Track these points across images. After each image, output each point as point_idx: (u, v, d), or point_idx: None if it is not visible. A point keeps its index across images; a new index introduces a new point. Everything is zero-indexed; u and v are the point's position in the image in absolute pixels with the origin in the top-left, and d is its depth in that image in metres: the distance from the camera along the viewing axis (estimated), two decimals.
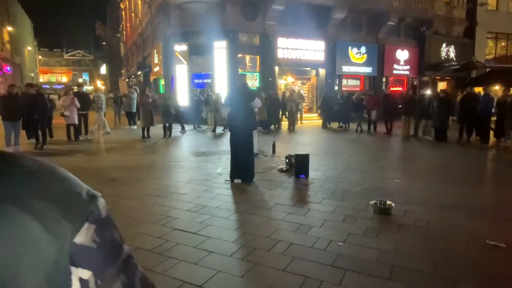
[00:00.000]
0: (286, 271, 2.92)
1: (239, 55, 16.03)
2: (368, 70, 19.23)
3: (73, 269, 0.37)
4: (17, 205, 0.35)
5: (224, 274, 2.89)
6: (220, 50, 15.64)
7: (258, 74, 16.60)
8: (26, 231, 0.34)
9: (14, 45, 33.05)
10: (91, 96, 13.24)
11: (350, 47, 18.41)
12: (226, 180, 5.93)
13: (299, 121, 15.43)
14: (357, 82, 19.69)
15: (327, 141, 11.69)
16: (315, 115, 18.08)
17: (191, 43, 16.08)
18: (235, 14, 15.57)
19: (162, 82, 20.18)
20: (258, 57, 16.47)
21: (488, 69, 21.10)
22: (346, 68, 18.52)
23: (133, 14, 29.43)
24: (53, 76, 69.33)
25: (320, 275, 2.85)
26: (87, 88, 41.30)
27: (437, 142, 10.63)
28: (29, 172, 0.39)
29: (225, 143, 8.33)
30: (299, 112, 15.60)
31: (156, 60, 20.38)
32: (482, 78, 19.27)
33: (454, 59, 21.11)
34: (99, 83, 63.23)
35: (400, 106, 12.60)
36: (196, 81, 16.46)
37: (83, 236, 0.38)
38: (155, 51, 20.46)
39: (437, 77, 21.78)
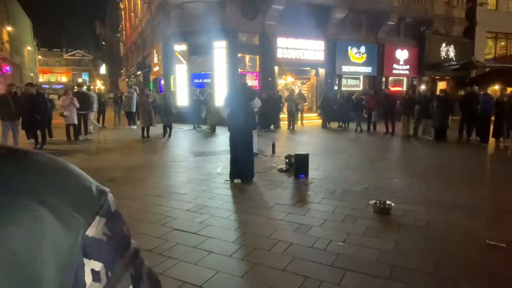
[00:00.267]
0: (286, 271, 2.92)
1: (239, 55, 16.02)
2: (367, 70, 19.24)
3: (85, 260, 0.38)
4: (34, 198, 0.36)
5: (224, 274, 2.88)
6: (219, 50, 15.63)
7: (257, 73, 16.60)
8: (42, 223, 0.35)
9: (13, 45, 33.03)
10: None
11: (349, 47, 18.40)
12: (226, 180, 5.93)
13: (299, 122, 15.38)
14: (357, 82, 19.70)
15: (327, 140, 11.69)
16: (315, 114, 18.07)
17: (190, 43, 16.07)
18: (235, 14, 15.56)
19: (162, 82, 20.18)
20: (257, 57, 16.45)
21: (487, 69, 21.11)
22: (345, 68, 18.51)
23: (132, 14, 29.42)
24: (53, 76, 69.30)
25: (320, 275, 2.85)
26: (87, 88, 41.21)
27: (436, 142, 10.63)
28: (42, 167, 0.40)
29: (225, 143, 8.33)
30: (299, 112, 15.58)
31: (155, 60, 20.38)
32: (481, 77, 19.28)
33: (454, 58, 21.11)
34: (99, 83, 63.24)
35: (400, 105, 12.59)
36: (196, 81, 16.46)
37: (94, 229, 0.39)
38: (154, 51, 20.46)
39: (437, 77, 21.78)
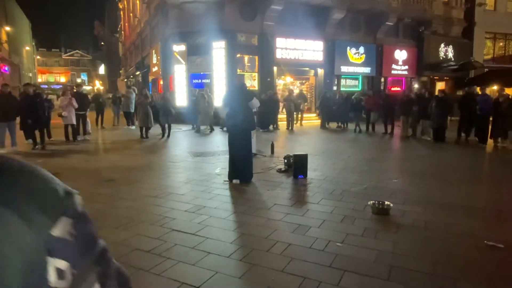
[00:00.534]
0: (284, 272, 2.92)
1: (238, 55, 16.01)
2: (366, 70, 19.25)
3: (49, 259, 0.39)
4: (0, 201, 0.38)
5: (222, 275, 2.88)
6: (218, 50, 15.63)
7: (256, 74, 16.59)
8: (5, 224, 0.37)
9: (12, 45, 32.98)
10: None
11: (348, 47, 18.42)
12: (225, 181, 5.93)
13: (297, 122, 15.36)
14: (356, 82, 19.71)
15: (326, 141, 11.69)
16: (314, 115, 18.08)
17: (189, 43, 16.06)
18: (234, 14, 15.56)
19: (160, 82, 20.16)
20: (256, 57, 16.45)
21: (486, 69, 21.15)
22: (344, 68, 18.53)
23: (131, 14, 29.39)
24: (51, 76, 69.19)
25: (318, 275, 2.85)
26: (86, 88, 41.21)
27: (435, 142, 10.64)
28: (9, 170, 0.42)
29: (224, 144, 8.33)
30: (300, 113, 15.57)
31: (154, 60, 20.36)
32: (480, 78, 19.31)
33: (453, 59, 21.14)
34: (98, 83, 63.18)
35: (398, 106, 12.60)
36: (195, 81, 16.45)
37: (60, 229, 0.41)
38: (153, 51, 20.44)
39: (435, 77, 21.82)
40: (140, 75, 26.17)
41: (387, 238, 3.61)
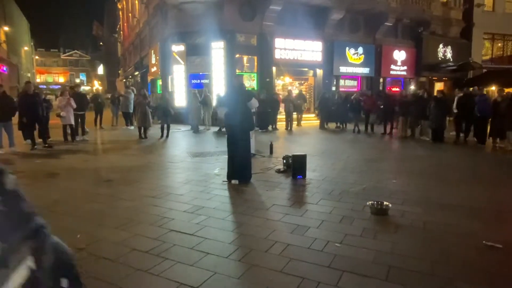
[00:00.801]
0: (283, 272, 2.91)
1: (237, 56, 16.02)
2: (365, 70, 19.28)
3: None
4: None
5: (221, 275, 2.88)
6: (217, 50, 15.63)
7: (255, 74, 16.60)
8: None
9: (10, 45, 32.92)
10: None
11: (347, 48, 18.44)
12: (224, 181, 5.92)
13: (295, 123, 15.34)
14: (355, 83, 19.74)
15: (325, 141, 11.70)
16: (313, 115, 18.09)
17: (188, 44, 16.06)
18: (233, 15, 15.56)
19: (159, 82, 20.15)
20: (255, 58, 16.47)
21: (484, 70, 21.20)
22: (343, 69, 18.55)
23: (130, 14, 29.36)
24: (50, 76, 69.07)
25: (317, 276, 2.85)
26: (84, 88, 41.16)
27: (434, 143, 10.66)
28: None
29: (223, 144, 8.32)
30: (299, 113, 15.56)
31: (153, 61, 20.35)
32: (479, 78, 19.36)
33: (451, 59, 21.20)
34: (96, 83, 63.09)
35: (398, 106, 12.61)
36: (194, 81, 16.45)
37: None
38: (152, 51, 20.42)
39: (434, 78, 21.87)
40: (139, 75, 26.15)
41: (386, 239, 3.61)
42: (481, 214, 4.45)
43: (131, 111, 14.69)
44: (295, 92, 16.58)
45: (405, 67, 20.41)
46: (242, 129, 5.88)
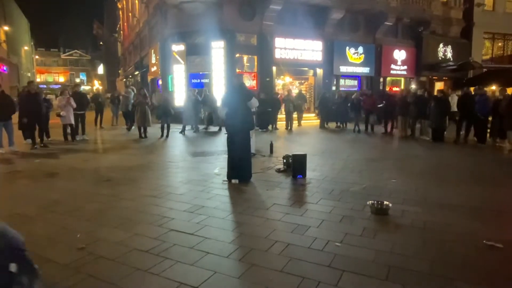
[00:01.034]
0: (283, 272, 2.91)
1: (237, 55, 16.02)
2: (365, 70, 19.27)
3: None
4: None
5: (221, 275, 2.87)
6: (217, 50, 15.62)
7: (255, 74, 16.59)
8: None
9: (10, 44, 32.91)
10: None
11: (347, 47, 18.43)
12: (224, 181, 5.92)
13: (295, 122, 15.33)
14: (355, 82, 19.73)
15: (325, 141, 11.69)
16: (313, 115, 18.09)
17: (188, 43, 16.05)
18: (233, 14, 15.55)
19: (160, 82, 20.13)
20: (255, 57, 16.46)
21: (485, 69, 21.18)
22: (343, 68, 18.54)
23: (130, 14, 29.35)
24: (50, 76, 69.06)
25: (317, 275, 2.84)
26: (85, 87, 41.20)
27: (434, 142, 10.65)
28: None
29: (223, 143, 8.32)
30: (300, 113, 15.54)
31: (153, 60, 20.34)
32: (479, 78, 19.35)
33: (451, 59, 21.18)
34: (97, 83, 63.09)
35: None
36: (194, 81, 16.44)
37: None
38: (152, 51, 20.41)
39: (434, 77, 21.86)
40: (139, 75, 26.14)
41: (386, 238, 3.61)
42: (481, 213, 4.44)
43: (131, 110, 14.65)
44: (294, 91, 16.57)
45: (405, 67, 20.40)
46: (242, 128, 5.87)
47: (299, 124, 15.49)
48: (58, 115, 10.38)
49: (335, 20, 17.39)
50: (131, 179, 6.12)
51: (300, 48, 17.06)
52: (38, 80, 60.79)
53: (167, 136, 11.78)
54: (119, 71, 41.80)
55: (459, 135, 10.81)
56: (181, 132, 12.76)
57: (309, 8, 16.53)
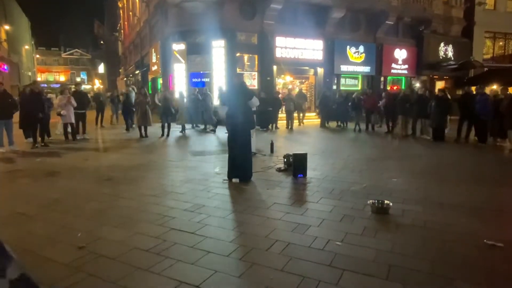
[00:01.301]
0: (283, 271, 2.91)
1: (237, 54, 16.01)
2: (366, 69, 19.25)
3: None
4: None
5: (222, 274, 2.87)
6: (218, 49, 15.62)
7: (256, 73, 16.58)
8: None
9: (11, 43, 32.92)
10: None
11: (348, 47, 18.41)
12: (224, 180, 5.92)
13: (296, 122, 15.32)
14: (356, 82, 19.71)
15: (325, 140, 11.69)
16: (314, 114, 18.08)
17: (189, 42, 16.05)
18: (233, 13, 15.54)
19: (160, 81, 20.14)
20: (256, 56, 16.45)
21: (486, 69, 21.14)
22: (344, 68, 18.53)
23: (131, 13, 29.35)
24: (51, 75, 69.07)
25: (317, 275, 2.84)
26: (85, 87, 41.20)
27: (434, 142, 10.64)
28: None
29: (223, 143, 8.32)
30: (301, 112, 15.53)
31: (154, 59, 20.34)
32: (480, 77, 19.32)
33: (452, 58, 21.15)
34: (97, 82, 63.09)
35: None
36: (194, 80, 16.44)
37: None
38: (153, 50, 20.42)
39: (435, 76, 21.82)
40: (140, 74, 26.14)
41: (386, 237, 3.60)
42: (482, 213, 4.44)
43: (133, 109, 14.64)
44: (294, 90, 16.55)
45: (406, 66, 20.38)
46: (243, 128, 5.87)
47: (300, 123, 15.49)
48: (59, 114, 10.39)
49: (335, 19, 17.37)
50: (132, 178, 6.13)
51: (300, 47, 17.05)
52: (38, 79, 60.79)
53: (167, 135, 11.78)
54: (120, 70, 41.82)
55: (459, 135, 10.80)
56: (181, 132, 12.75)
57: (309, 7, 16.51)
